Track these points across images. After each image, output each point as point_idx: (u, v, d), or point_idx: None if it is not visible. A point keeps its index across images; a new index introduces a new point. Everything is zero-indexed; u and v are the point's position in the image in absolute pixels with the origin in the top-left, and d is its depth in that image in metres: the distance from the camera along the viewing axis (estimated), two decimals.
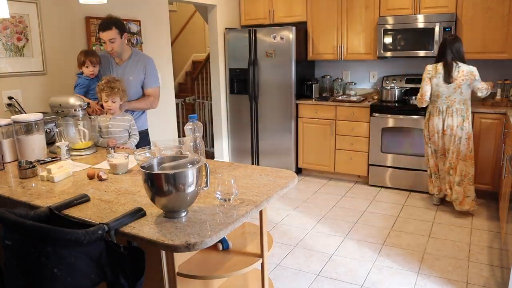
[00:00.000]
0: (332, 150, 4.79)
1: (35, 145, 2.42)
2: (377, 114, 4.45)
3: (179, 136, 4.87)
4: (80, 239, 1.33)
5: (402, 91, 4.60)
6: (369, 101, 4.64)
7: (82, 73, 3.01)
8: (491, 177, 4.00)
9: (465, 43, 4.16)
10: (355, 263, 3.02)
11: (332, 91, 5.20)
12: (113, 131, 2.85)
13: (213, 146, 5.64)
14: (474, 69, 3.58)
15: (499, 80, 4.23)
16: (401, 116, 4.34)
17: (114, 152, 2.37)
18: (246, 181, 1.97)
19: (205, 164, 1.63)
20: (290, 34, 4.70)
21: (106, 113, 2.90)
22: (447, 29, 4.15)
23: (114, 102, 2.82)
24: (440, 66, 3.63)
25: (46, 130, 2.80)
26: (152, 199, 1.53)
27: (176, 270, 1.68)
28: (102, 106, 2.85)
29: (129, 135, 2.88)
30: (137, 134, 2.92)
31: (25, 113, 2.90)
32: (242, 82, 5.11)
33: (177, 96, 5.42)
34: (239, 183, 1.92)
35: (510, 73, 4.30)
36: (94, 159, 2.47)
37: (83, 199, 1.74)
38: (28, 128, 2.43)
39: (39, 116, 2.50)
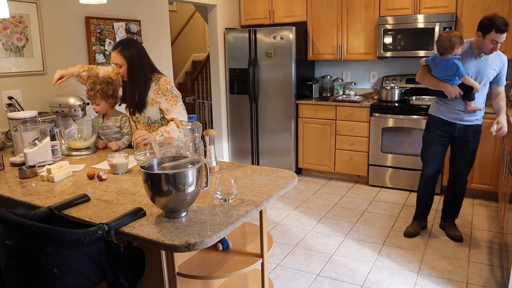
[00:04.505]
0: (332, 150, 4.79)
1: (29, 140, 2.47)
2: (377, 114, 4.45)
3: None
4: (80, 239, 1.33)
5: (402, 91, 4.60)
6: (369, 101, 4.64)
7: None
8: (491, 177, 4.00)
9: None
10: (355, 263, 3.02)
11: (332, 91, 5.20)
12: (107, 132, 2.84)
13: None
14: None
15: None
16: (401, 116, 4.34)
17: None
18: (246, 181, 1.97)
19: (205, 164, 1.63)
20: (290, 34, 4.70)
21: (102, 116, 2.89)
22: (447, 29, 4.15)
23: (97, 105, 2.78)
24: None
25: None
26: (152, 199, 1.53)
27: (176, 270, 1.68)
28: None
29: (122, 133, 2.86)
30: (131, 130, 2.87)
31: None
32: (242, 82, 5.11)
33: None
34: (239, 183, 1.92)
35: (510, 73, 4.30)
36: (94, 159, 2.47)
37: (83, 199, 1.74)
38: (24, 124, 2.53)
39: (34, 113, 2.62)
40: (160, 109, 2.59)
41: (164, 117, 2.61)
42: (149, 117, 2.61)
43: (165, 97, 2.55)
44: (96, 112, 2.83)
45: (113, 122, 2.84)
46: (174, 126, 2.50)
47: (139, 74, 2.54)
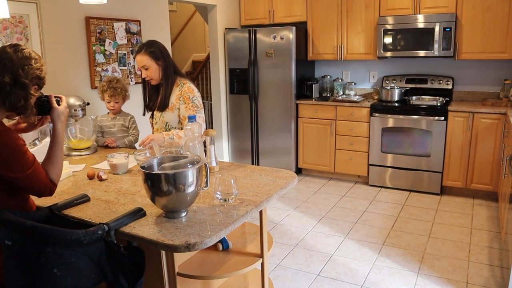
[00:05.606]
0: (332, 150, 4.79)
1: (30, 140, 2.47)
2: (377, 114, 4.45)
3: None
4: (80, 239, 1.33)
5: (402, 91, 4.60)
6: (369, 101, 4.64)
7: None
8: (491, 177, 4.00)
9: (465, 43, 4.17)
10: (355, 263, 3.02)
11: (332, 91, 5.19)
12: (115, 131, 2.88)
13: None
14: None
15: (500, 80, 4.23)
16: (401, 116, 4.34)
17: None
18: (246, 181, 1.97)
19: (205, 164, 1.63)
20: (290, 34, 4.70)
21: (108, 113, 2.94)
22: (447, 29, 4.15)
23: (117, 102, 2.86)
24: None
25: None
26: (152, 199, 1.53)
27: (176, 270, 1.68)
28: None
29: (128, 133, 2.91)
30: (137, 132, 2.94)
31: None
32: (242, 82, 5.11)
33: None
34: (239, 183, 1.92)
35: (510, 73, 4.30)
36: (94, 159, 2.47)
37: (83, 199, 1.75)
38: None
39: None
40: (179, 117, 2.54)
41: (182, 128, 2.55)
42: (167, 122, 2.55)
43: (185, 105, 2.49)
44: (113, 110, 2.88)
45: (123, 121, 2.91)
46: None
47: (167, 71, 2.50)
